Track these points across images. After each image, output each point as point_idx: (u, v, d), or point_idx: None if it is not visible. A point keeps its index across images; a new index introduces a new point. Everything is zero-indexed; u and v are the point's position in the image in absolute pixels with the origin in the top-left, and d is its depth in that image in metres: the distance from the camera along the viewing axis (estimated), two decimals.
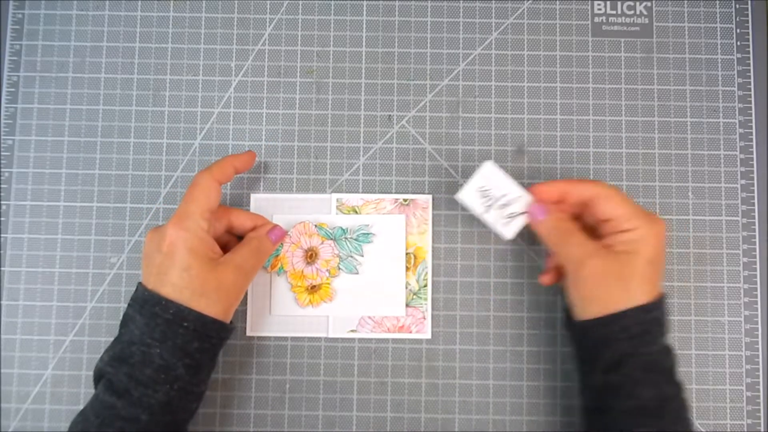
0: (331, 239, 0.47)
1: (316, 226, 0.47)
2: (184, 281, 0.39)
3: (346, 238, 0.47)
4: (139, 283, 0.40)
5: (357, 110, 0.49)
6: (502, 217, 0.43)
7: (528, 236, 0.48)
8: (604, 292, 0.39)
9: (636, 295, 0.39)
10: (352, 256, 0.47)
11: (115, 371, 0.38)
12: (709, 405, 0.46)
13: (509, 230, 0.43)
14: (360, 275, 0.47)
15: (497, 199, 0.43)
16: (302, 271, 0.47)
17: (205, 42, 0.50)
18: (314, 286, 0.47)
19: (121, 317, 0.40)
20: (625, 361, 0.38)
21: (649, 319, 0.39)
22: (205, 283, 0.39)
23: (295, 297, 0.47)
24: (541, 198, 0.42)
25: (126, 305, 0.39)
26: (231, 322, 0.42)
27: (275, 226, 0.45)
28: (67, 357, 0.47)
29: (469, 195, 0.43)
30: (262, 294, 0.47)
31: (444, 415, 0.47)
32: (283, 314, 0.47)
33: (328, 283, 0.47)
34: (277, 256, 0.47)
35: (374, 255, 0.47)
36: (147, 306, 0.39)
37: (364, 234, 0.47)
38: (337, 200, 0.48)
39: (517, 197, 0.43)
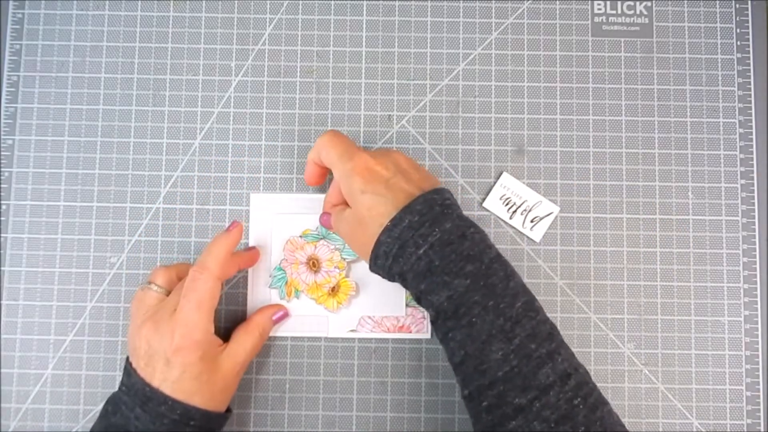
0: (321, 238, 0.47)
1: (300, 236, 0.47)
2: (194, 387, 0.39)
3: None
4: (134, 371, 0.39)
5: (357, 110, 0.49)
6: (527, 221, 0.47)
7: (527, 237, 0.48)
8: (358, 243, 0.40)
9: (379, 223, 0.38)
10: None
11: None
12: (709, 405, 0.46)
13: (536, 234, 0.47)
14: None
15: (518, 205, 0.47)
16: (315, 282, 0.47)
17: (205, 42, 0.50)
18: (333, 288, 0.47)
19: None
20: (408, 280, 0.38)
21: (398, 234, 0.37)
22: (213, 386, 0.40)
23: (324, 307, 0.47)
24: (311, 183, 0.46)
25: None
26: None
27: (278, 309, 0.45)
28: (67, 357, 0.47)
29: (492, 203, 0.47)
30: (293, 321, 0.47)
31: (444, 415, 0.46)
32: (319, 324, 0.47)
33: (344, 278, 0.47)
34: (286, 283, 0.47)
35: None
36: (151, 404, 0.38)
37: None
38: None
39: (537, 202, 0.47)
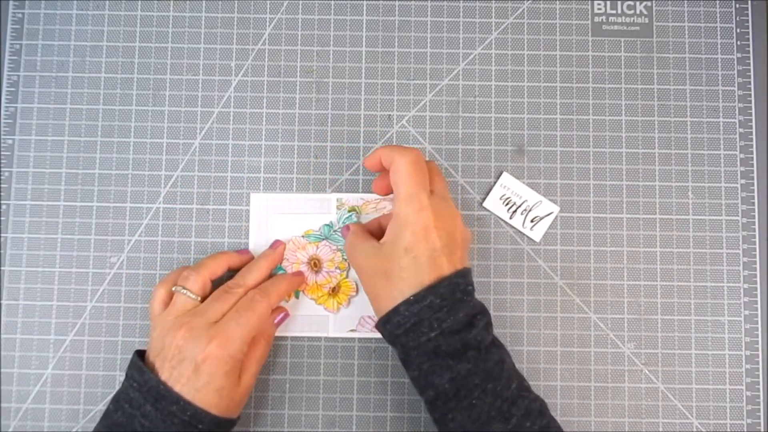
0: (323, 239, 0.47)
1: (303, 236, 0.47)
2: (214, 399, 0.39)
3: (335, 231, 0.47)
4: (152, 369, 0.39)
5: (357, 110, 0.49)
6: (527, 221, 0.47)
7: (527, 237, 0.48)
8: (374, 289, 0.40)
9: (401, 288, 0.38)
10: None
11: None
12: (709, 405, 0.47)
13: (536, 234, 0.47)
14: None
15: (518, 205, 0.47)
16: (316, 282, 0.47)
17: (205, 41, 0.50)
18: (334, 288, 0.47)
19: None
20: (410, 354, 0.39)
21: (417, 310, 0.38)
22: (231, 400, 0.40)
23: (324, 307, 0.47)
24: (368, 167, 0.43)
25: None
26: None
27: (278, 312, 0.45)
28: (67, 356, 0.47)
29: (492, 203, 0.47)
30: (293, 321, 0.47)
31: None
32: (319, 325, 0.47)
33: (345, 278, 0.47)
34: None
35: None
36: (163, 403, 0.38)
37: (348, 217, 0.47)
38: (337, 200, 0.48)
39: (537, 202, 0.47)
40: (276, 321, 0.45)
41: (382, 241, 0.41)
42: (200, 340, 0.39)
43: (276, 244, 0.46)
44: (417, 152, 0.41)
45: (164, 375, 0.39)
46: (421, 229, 0.39)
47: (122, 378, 0.47)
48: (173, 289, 0.43)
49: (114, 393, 0.41)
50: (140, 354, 0.41)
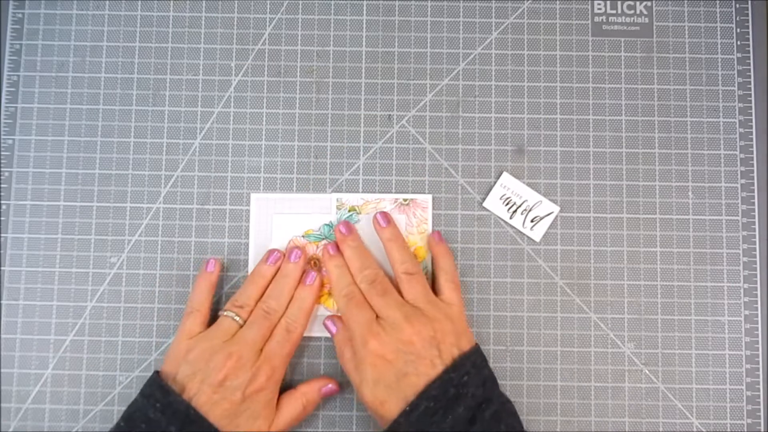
0: (323, 239, 0.47)
1: (303, 236, 0.47)
2: (242, 428, 0.39)
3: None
4: (172, 388, 0.39)
5: (357, 110, 0.49)
6: (527, 221, 0.47)
7: (527, 237, 0.48)
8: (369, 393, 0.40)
9: (398, 399, 0.39)
10: None
11: None
12: (709, 405, 0.47)
13: (536, 234, 0.47)
14: None
15: (518, 205, 0.47)
16: None
17: (205, 41, 0.50)
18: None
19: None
20: None
21: (415, 419, 0.38)
22: None
23: (324, 307, 0.47)
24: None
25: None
26: None
27: (327, 382, 0.45)
28: (67, 356, 0.47)
29: (492, 203, 0.47)
30: None
31: None
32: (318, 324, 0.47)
33: None
34: None
35: (373, 254, 0.47)
36: (192, 428, 0.38)
37: (348, 217, 0.47)
38: (337, 200, 0.48)
39: (537, 202, 0.47)
40: (323, 391, 0.45)
41: (355, 382, 0.42)
42: (248, 372, 0.40)
43: (293, 253, 0.45)
44: (349, 289, 0.43)
45: (202, 398, 0.39)
46: (377, 359, 0.39)
47: (122, 378, 0.47)
48: (224, 313, 0.43)
49: (125, 410, 0.41)
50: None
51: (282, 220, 0.47)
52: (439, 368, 0.39)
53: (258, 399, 0.40)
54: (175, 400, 0.39)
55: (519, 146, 0.49)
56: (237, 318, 0.43)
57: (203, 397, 0.39)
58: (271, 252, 0.45)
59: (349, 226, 0.46)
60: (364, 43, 0.49)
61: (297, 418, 0.43)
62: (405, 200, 0.48)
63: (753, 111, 0.49)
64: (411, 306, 0.42)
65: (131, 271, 0.48)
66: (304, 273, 0.45)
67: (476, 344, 0.42)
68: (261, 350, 0.42)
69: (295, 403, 0.43)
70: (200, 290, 0.45)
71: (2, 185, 0.48)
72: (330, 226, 0.47)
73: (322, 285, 0.46)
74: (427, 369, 0.39)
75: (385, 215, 0.46)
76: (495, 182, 0.48)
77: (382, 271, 0.44)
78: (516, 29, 0.50)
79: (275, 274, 0.45)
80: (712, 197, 0.48)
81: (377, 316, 0.42)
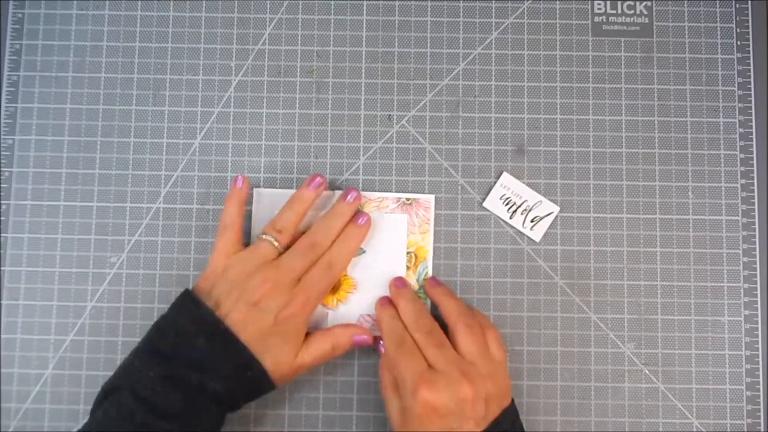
0: None
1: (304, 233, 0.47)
2: (270, 355, 0.40)
3: None
4: (205, 303, 0.40)
5: (357, 110, 0.49)
6: (527, 221, 0.47)
7: (527, 237, 0.48)
8: None
9: None
10: None
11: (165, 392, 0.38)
12: (709, 405, 0.47)
13: (536, 234, 0.47)
14: (367, 252, 0.47)
15: (518, 205, 0.47)
16: None
17: (205, 41, 0.50)
18: (334, 285, 0.47)
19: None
20: None
21: None
22: (285, 365, 0.41)
23: (323, 303, 0.46)
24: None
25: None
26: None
27: (363, 332, 0.44)
28: (68, 356, 0.47)
29: (492, 203, 0.47)
30: None
31: None
32: (318, 320, 0.47)
33: (345, 275, 0.47)
34: None
35: (374, 253, 0.47)
36: (220, 339, 0.39)
37: None
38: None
39: (537, 202, 0.47)
40: (354, 338, 0.44)
41: (392, 414, 0.41)
42: (284, 297, 0.41)
43: (350, 194, 0.45)
44: (400, 335, 0.42)
45: (236, 316, 0.40)
46: (428, 410, 0.38)
47: None
48: (263, 236, 0.43)
49: (154, 323, 0.41)
50: None
51: None
52: (482, 427, 0.39)
53: (289, 324, 0.41)
54: (206, 312, 0.40)
55: (519, 146, 0.49)
56: (276, 243, 0.43)
57: (237, 314, 0.40)
58: (313, 177, 0.45)
59: (403, 280, 0.46)
60: (364, 43, 0.50)
61: (324, 356, 0.43)
62: (407, 200, 0.48)
63: (753, 111, 0.49)
64: (467, 362, 0.40)
65: (131, 271, 0.48)
66: (356, 214, 0.45)
67: (512, 399, 0.42)
68: (298, 280, 0.42)
69: (324, 340, 0.43)
70: (231, 207, 0.45)
71: (2, 185, 0.48)
72: None
73: (367, 229, 0.46)
74: (471, 427, 0.38)
75: (431, 280, 0.47)
76: (495, 182, 0.48)
77: (438, 323, 0.43)
78: (516, 29, 0.50)
79: (315, 200, 0.45)
80: (712, 197, 0.48)
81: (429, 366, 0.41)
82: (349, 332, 0.44)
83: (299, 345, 0.42)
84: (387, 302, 0.45)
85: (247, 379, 0.40)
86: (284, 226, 0.44)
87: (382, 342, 0.43)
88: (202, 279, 0.43)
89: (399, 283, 0.46)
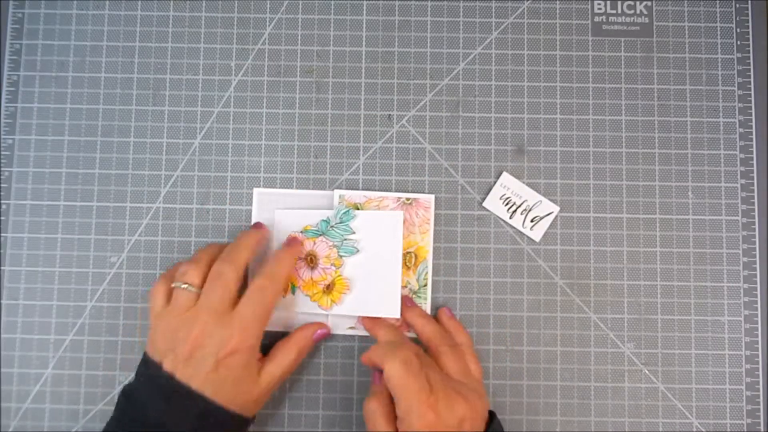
0: (320, 235, 0.47)
1: (301, 232, 0.47)
2: (232, 393, 0.39)
3: (332, 227, 0.47)
4: (155, 362, 0.39)
5: (357, 110, 0.49)
6: (527, 221, 0.47)
7: (527, 237, 0.48)
8: None
9: None
10: (345, 239, 0.47)
11: None
12: (709, 404, 0.47)
13: (536, 234, 0.47)
14: (361, 252, 0.47)
15: (518, 205, 0.47)
16: (311, 278, 0.47)
17: (205, 41, 0.50)
18: (328, 286, 0.47)
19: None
20: None
21: None
22: (248, 395, 0.40)
23: (318, 304, 0.47)
24: (365, 363, 0.42)
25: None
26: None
27: (319, 327, 0.45)
28: (67, 356, 0.47)
29: (492, 203, 0.47)
30: (286, 318, 0.47)
31: None
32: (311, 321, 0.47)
33: (339, 275, 0.47)
34: None
35: (370, 252, 0.47)
36: (177, 398, 0.38)
37: (345, 213, 0.47)
38: (340, 196, 0.48)
39: (537, 202, 0.47)
40: (314, 336, 0.45)
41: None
42: (216, 337, 0.39)
43: (291, 241, 0.46)
44: (406, 355, 0.40)
45: (180, 371, 0.39)
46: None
47: (122, 378, 0.47)
48: (172, 285, 0.42)
49: (121, 388, 0.41)
50: None
51: (283, 216, 0.47)
52: None
53: (235, 363, 0.39)
54: (156, 371, 0.39)
55: (519, 146, 0.49)
56: (187, 287, 0.41)
57: (181, 370, 0.39)
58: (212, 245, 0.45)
59: (411, 299, 0.47)
60: (364, 43, 0.50)
61: (292, 364, 0.43)
62: (408, 200, 0.48)
63: (753, 111, 0.49)
64: (457, 381, 0.41)
65: (131, 271, 0.48)
66: (289, 238, 0.46)
67: (493, 412, 0.42)
68: (233, 306, 0.41)
69: (288, 350, 0.43)
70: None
71: (2, 185, 0.48)
72: (327, 222, 0.47)
73: (299, 247, 0.46)
74: None
75: (405, 299, 0.47)
76: (495, 182, 0.48)
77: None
78: (516, 29, 0.50)
79: (216, 253, 0.44)
80: (712, 197, 0.48)
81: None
82: (309, 333, 0.44)
83: (254, 377, 0.41)
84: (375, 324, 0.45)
85: (212, 425, 0.39)
86: (187, 268, 0.41)
87: (377, 373, 0.43)
88: (149, 337, 0.42)
89: (409, 302, 0.46)
